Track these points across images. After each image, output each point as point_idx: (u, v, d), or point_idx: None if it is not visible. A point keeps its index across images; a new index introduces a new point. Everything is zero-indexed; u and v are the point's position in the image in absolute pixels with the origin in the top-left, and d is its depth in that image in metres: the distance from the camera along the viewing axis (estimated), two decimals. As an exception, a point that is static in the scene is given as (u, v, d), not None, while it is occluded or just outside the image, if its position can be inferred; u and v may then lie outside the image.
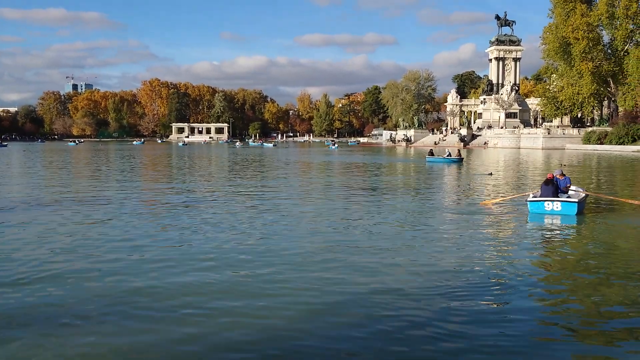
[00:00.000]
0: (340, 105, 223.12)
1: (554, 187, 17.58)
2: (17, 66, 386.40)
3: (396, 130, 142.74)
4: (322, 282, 9.55)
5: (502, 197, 21.97)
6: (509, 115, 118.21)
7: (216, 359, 6.65)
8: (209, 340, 7.06)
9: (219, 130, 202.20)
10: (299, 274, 10.10)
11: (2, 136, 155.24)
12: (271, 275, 10.01)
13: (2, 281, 9.62)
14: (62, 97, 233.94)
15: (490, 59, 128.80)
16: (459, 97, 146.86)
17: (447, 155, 48.92)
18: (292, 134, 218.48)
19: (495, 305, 8.56)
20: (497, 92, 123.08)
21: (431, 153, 52.31)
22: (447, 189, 28.08)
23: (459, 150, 50.82)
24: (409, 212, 18.24)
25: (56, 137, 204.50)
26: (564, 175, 19.26)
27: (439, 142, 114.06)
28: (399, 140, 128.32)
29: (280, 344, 6.97)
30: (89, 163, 52.67)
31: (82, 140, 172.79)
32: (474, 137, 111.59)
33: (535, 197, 17.76)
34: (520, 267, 10.88)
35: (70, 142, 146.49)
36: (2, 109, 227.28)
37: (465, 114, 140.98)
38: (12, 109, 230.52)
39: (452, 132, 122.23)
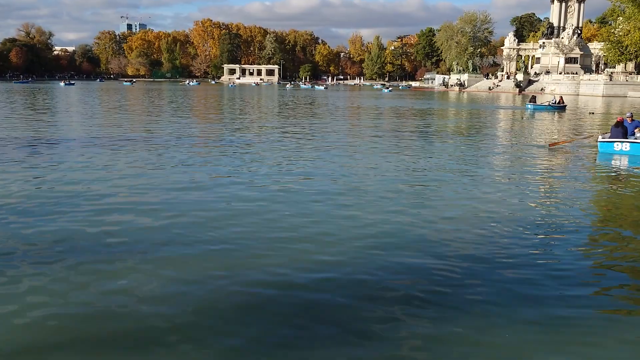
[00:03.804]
0: (393, 48, 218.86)
1: (623, 129, 18.28)
2: (75, 5, 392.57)
3: (449, 74, 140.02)
4: (373, 222, 9.28)
5: (570, 138, 22.44)
6: (569, 61, 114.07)
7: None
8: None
9: (270, 72, 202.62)
10: (351, 214, 9.78)
11: (62, 74, 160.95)
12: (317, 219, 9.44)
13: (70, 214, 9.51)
14: (117, 36, 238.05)
15: (552, 0, 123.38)
16: (516, 40, 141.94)
17: (553, 102, 46.76)
18: (342, 77, 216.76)
19: (551, 243, 8.49)
20: (558, 36, 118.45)
21: (533, 99, 49.45)
22: (515, 131, 28.47)
23: (561, 97, 48.32)
24: (476, 153, 18.96)
25: (112, 76, 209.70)
26: (633, 119, 19.59)
27: (493, 88, 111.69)
28: (451, 85, 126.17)
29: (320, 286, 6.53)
30: (158, 103, 54.65)
31: (135, 80, 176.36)
32: (530, 82, 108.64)
33: (604, 138, 18.27)
34: (584, 204, 11.40)
35: (126, 81, 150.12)
36: (61, 48, 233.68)
37: (523, 58, 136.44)
38: (70, 48, 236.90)
39: (507, 78, 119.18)
